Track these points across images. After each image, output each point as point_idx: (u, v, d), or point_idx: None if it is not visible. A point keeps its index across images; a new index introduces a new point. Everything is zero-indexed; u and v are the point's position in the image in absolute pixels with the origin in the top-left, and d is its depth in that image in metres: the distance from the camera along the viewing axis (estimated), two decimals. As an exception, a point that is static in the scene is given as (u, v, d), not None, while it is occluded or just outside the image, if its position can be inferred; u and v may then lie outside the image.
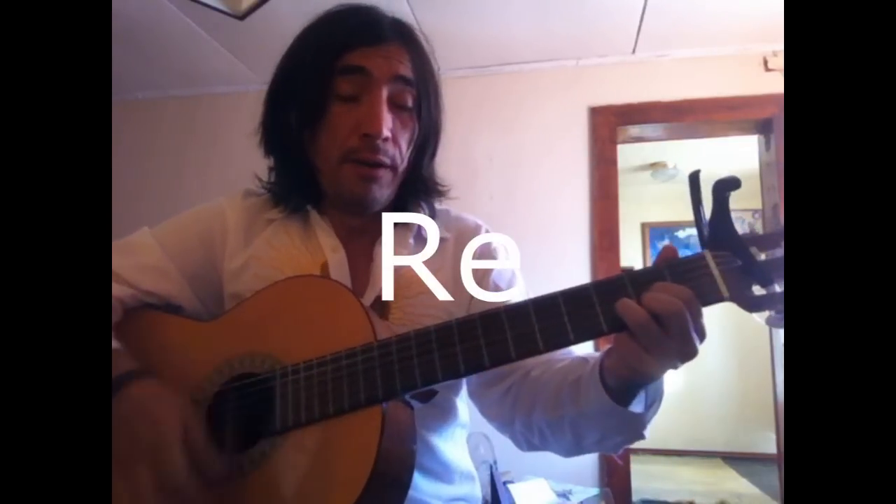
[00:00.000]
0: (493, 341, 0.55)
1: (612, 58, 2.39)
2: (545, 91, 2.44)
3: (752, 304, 0.53)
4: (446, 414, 0.75)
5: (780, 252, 0.53)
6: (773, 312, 0.53)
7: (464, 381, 0.77)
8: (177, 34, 2.24)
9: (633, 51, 2.35)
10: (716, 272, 0.53)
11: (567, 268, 2.30)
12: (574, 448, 0.67)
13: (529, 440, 0.71)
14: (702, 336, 0.52)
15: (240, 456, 0.58)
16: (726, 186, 0.53)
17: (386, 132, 0.69)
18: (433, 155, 0.80)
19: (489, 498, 1.42)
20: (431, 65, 0.77)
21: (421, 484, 0.69)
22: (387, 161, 0.71)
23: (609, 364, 0.58)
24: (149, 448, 0.53)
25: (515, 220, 2.35)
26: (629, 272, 0.55)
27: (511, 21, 2.16)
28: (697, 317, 0.52)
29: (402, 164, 0.74)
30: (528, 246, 2.36)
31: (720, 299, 0.52)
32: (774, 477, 3.17)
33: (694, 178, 0.56)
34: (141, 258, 0.74)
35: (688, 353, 0.52)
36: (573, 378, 0.63)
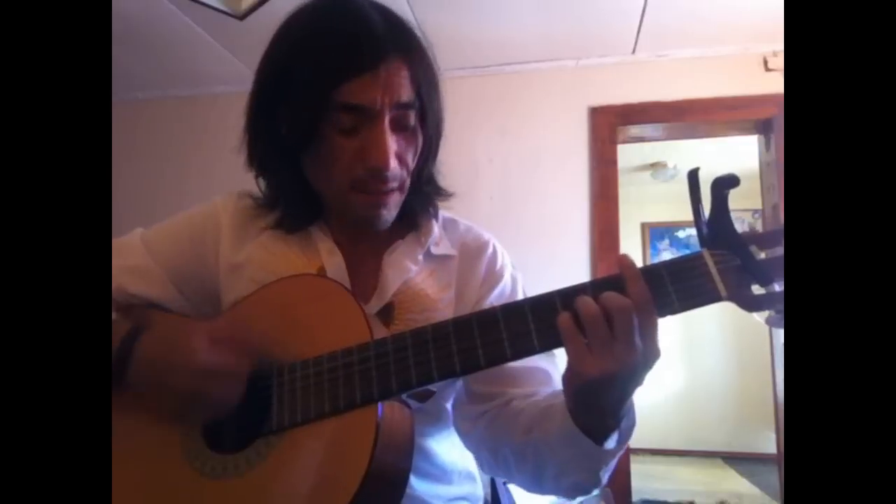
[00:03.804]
0: (488, 341, 0.55)
1: (612, 58, 2.39)
2: (545, 91, 2.44)
3: (751, 304, 0.52)
4: (437, 420, 0.74)
5: (780, 251, 0.52)
6: (772, 312, 0.52)
7: (457, 387, 0.77)
8: (177, 34, 2.23)
9: (633, 51, 2.35)
10: (713, 271, 0.52)
11: (567, 268, 2.30)
12: (534, 481, 0.66)
13: (496, 468, 0.70)
14: (651, 350, 0.51)
15: (237, 455, 0.58)
16: (725, 184, 0.52)
17: (393, 164, 0.65)
18: (436, 154, 0.77)
19: (489, 498, 1.42)
20: (433, 67, 0.71)
21: (419, 485, 0.69)
22: (395, 186, 0.69)
23: (564, 379, 0.56)
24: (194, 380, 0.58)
25: (515, 221, 2.35)
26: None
27: (511, 21, 2.16)
28: (647, 324, 0.51)
29: (409, 178, 0.72)
30: (527, 246, 2.37)
31: (718, 298, 0.52)
32: (774, 477, 3.17)
33: (693, 177, 0.55)
34: (125, 259, 0.74)
35: (627, 360, 0.50)
36: (546, 405, 0.64)
